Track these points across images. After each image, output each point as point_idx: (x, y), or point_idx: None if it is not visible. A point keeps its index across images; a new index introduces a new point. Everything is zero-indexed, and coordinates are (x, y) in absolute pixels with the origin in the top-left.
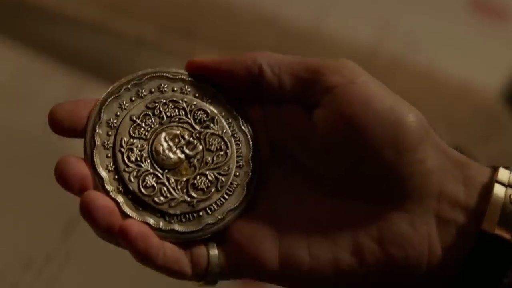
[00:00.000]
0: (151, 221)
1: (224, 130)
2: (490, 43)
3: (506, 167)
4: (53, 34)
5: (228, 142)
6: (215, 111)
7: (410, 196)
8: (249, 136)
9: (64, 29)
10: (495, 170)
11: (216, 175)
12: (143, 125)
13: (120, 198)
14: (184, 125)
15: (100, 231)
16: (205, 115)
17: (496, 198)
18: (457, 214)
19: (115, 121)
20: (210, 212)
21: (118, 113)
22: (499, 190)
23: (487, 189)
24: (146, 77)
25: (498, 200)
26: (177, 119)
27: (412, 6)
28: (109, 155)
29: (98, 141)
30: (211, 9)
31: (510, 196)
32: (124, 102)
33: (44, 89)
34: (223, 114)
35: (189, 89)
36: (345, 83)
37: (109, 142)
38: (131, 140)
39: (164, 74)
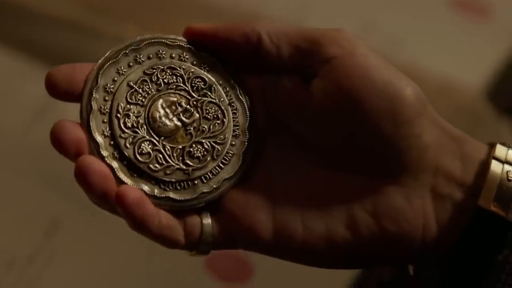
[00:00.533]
0: (146, 188)
1: (222, 99)
2: (472, 40)
3: (503, 143)
4: (32, 34)
5: (225, 111)
6: (213, 79)
7: (406, 169)
8: (246, 106)
9: (44, 29)
10: (492, 146)
11: (212, 143)
12: (140, 91)
13: (115, 164)
14: (182, 93)
15: (94, 196)
16: (202, 83)
17: (492, 175)
18: (453, 190)
19: (112, 86)
20: (205, 181)
21: (116, 78)
22: (496, 167)
23: (484, 165)
24: (144, 43)
25: (495, 177)
26: (174, 86)
27: (394, 5)
28: (105, 120)
29: (94, 106)
30: (192, 8)
31: (507, 172)
32: (122, 68)
33: (24, 88)
34: (220, 82)
35: (187, 56)
36: (343, 54)
37: (105, 107)
38: (128, 106)
39: (163, 40)
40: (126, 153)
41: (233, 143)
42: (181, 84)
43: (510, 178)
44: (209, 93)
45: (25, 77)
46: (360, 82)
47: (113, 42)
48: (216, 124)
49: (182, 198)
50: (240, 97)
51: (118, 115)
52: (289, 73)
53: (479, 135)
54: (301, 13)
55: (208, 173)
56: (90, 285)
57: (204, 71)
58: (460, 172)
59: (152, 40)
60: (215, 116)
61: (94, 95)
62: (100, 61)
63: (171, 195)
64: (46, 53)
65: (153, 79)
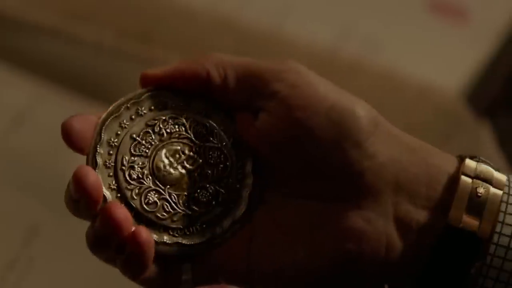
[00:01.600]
0: (155, 236)
1: (224, 143)
2: (450, 43)
3: (473, 157)
4: (12, 41)
5: (228, 155)
6: (214, 124)
7: (364, 192)
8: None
9: (23, 36)
10: (461, 159)
11: (217, 188)
12: (144, 142)
13: None
14: (184, 141)
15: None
16: (204, 129)
17: (462, 190)
18: (417, 208)
19: (116, 140)
20: (212, 225)
21: (119, 132)
22: (465, 181)
23: (453, 180)
24: (144, 95)
25: (465, 192)
26: (177, 135)
27: (372, 8)
28: (110, 174)
29: (99, 160)
30: (170, 13)
31: (476, 188)
32: (124, 121)
33: (4, 95)
34: (222, 127)
35: (187, 104)
36: (287, 87)
37: (110, 161)
38: (132, 158)
39: (163, 91)
40: (133, 204)
41: (238, 186)
42: (184, 133)
43: (479, 194)
44: (211, 138)
45: (5, 84)
46: (303, 114)
47: (92, 48)
48: (220, 168)
49: (192, 243)
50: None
51: (123, 167)
52: (241, 107)
53: (458, 137)
54: (278, 17)
55: (214, 217)
56: None
57: (205, 117)
58: (425, 187)
59: (152, 92)
60: (218, 160)
61: (98, 150)
62: (103, 116)
63: (180, 240)
64: (26, 60)
65: (156, 130)
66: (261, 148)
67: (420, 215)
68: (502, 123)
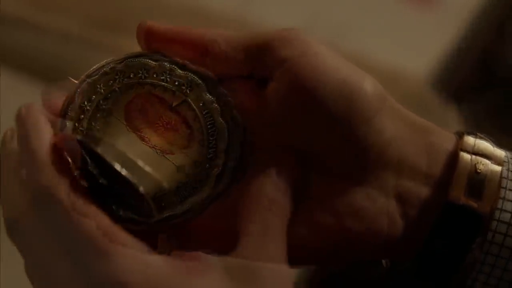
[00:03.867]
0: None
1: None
2: (417, 29)
3: (471, 132)
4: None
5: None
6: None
7: (366, 169)
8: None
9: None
10: (460, 136)
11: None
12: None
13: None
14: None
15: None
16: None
17: (461, 167)
18: (418, 184)
19: (89, 104)
20: (173, 204)
21: (93, 97)
22: (464, 158)
23: (452, 157)
24: (126, 60)
25: (464, 169)
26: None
27: None
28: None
29: (69, 124)
30: (136, 1)
31: (475, 165)
32: (102, 85)
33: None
34: (201, 103)
35: (170, 74)
36: (295, 55)
37: (80, 126)
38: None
39: (144, 59)
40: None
41: (207, 165)
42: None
43: (478, 170)
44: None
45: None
46: (313, 84)
47: (58, 37)
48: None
49: (148, 221)
50: (221, 119)
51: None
52: (244, 78)
53: None
54: (244, 2)
55: (178, 196)
56: None
57: (187, 90)
58: (425, 165)
59: (135, 59)
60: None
61: (69, 113)
62: (81, 77)
63: (136, 217)
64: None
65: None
66: (264, 118)
67: (420, 192)
68: (469, 108)
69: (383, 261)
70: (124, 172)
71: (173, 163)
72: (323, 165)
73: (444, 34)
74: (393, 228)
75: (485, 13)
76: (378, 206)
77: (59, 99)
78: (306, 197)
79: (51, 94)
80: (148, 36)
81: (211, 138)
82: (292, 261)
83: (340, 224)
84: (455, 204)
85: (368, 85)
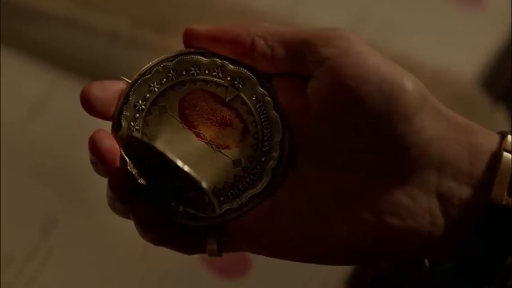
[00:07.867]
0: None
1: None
2: (465, 29)
3: None
4: (27, 31)
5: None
6: (248, 91)
7: (408, 167)
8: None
9: (38, 26)
10: (503, 136)
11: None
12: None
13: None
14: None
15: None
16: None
17: (504, 167)
18: (460, 184)
19: (143, 103)
20: (231, 198)
21: (147, 96)
22: (507, 159)
23: (495, 157)
24: (178, 58)
25: (507, 169)
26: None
27: None
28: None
29: (124, 123)
30: (186, 1)
31: None
32: (155, 84)
33: (20, 85)
34: (254, 97)
35: (221, 71)
36: (337, 54)
37: (136, 125)
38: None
39: (195, 56)
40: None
41: (263, 159)
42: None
43: None
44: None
45: (20, 75)
46: (354, 83)
47: (107, 37)
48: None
49: (207, 216)
50: (274, 112)
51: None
52: (286, 75)
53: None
54: (293, 3)
55: (235, 190)
56: (88, 282)
57: (239, 85)
58: (467, 165)
59: (185, 56)
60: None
61: (124, 113)
62: (134, 77)
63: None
64: (41, 50)
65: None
66: (305, 116)
67: (462, 192)
68: None
69: (426, 261)
70: (186, 168)
71: (229, 157)
72: (364, 163)
73: (492, 34)
74: (435, 227)
75: None
76: (420, 204)
77: (107, 96)
78: (347, 194)
79: (96, 92)
80: (193, 40)
81: (265, 131)
82: (333, 259)
83: (381, 222)
84: (497, 204)
85: (409, 83)
